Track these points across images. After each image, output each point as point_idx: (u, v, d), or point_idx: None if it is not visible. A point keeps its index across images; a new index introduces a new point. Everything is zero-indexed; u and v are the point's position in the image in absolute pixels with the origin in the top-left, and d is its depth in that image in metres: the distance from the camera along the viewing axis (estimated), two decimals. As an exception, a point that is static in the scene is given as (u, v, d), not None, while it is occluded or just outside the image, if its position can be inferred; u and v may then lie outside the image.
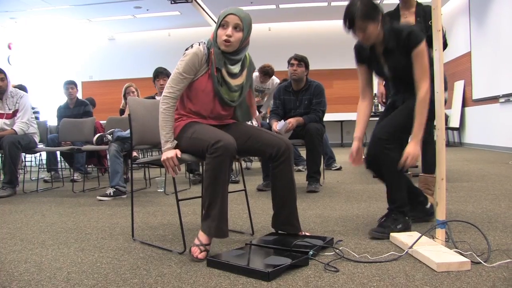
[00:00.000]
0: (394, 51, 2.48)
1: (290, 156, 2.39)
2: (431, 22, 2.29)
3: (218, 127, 2.39)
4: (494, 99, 9.01)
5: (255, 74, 6.59)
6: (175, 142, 2.32)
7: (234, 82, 2.42)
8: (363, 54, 2.64)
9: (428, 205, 2.75)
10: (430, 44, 2.68)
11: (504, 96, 8.53)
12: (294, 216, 2.45)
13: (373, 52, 2.57)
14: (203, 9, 11.87)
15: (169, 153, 2.25)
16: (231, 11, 2.31)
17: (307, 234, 2.48)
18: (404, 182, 2.57)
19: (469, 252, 2.02)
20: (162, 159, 2.26)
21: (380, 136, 2.51)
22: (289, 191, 2.42)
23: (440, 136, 2.19)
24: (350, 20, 2.39)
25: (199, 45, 2.35)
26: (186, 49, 2.36)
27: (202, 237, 2.18)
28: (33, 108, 5.74)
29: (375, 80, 2.81)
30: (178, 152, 2.25)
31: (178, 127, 2.41)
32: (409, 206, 2.57)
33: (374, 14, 2.38)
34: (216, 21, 2.37)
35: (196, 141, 2.25)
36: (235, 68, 2.41)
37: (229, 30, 2.28)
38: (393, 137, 2.49)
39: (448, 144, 11.48)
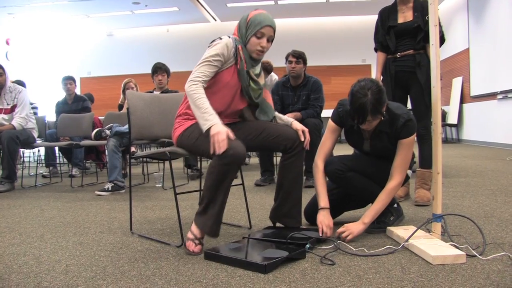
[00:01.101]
0: (383, 134, 2.42)
1: (303, 150, 2.41)
2: (428, 17, 2.29)
3: (230, 125, 2.36)
4: (492, 96, 9.03)
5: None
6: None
7: (259, 81, 2.46)
8: (347, 121, 2.49)
9: (395, 204, 2.65)
10: (427, 40, 2.69)
11: (502, 92, 8.55)
12: (297, 209, 2.46)
13: (358, 126, 2.38)
14: (202, 5, 11.86)
15: (220, 127, 2.07)
16: (267, 22, 2.32)
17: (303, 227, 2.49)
18: (372, 184, 2.50)
19: (465, 246, 2.04)
20: (212, 133, 2.06)
21: (333, 169, 2.47)
22: (296, 184, 2.44)
23: (436, 130, 2.21)
24: (362, 116, 2.23)
25: (229, 37, 2.35)
26: (213, 41, 2.35)
27: (195, 231, 2.18)
28: (31, 104, 5.74)
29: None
30: (229, 132, 2.09)
31: (184, 126, 2.39)
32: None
33: (382, 107, 2.26)
34: (247, 24, 2.34)
35: (205, 141, 2.17)
36: (257, 69, 2.46)
37: (264, 42, 2.33)
38: (349, 169, 2.45)
39: (446, 141, 11.52)
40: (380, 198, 2.36)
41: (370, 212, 2.35)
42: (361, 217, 2.36)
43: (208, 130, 2.09)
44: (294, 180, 2.43)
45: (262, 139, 2.40)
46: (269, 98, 2.59)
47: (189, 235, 2.19)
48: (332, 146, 2.61)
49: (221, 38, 2.33)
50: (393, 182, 2.37)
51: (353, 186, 2.49)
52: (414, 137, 2.38)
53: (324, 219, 2.36)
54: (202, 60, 2.27)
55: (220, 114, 2.33)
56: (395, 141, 2.39)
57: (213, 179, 2.12)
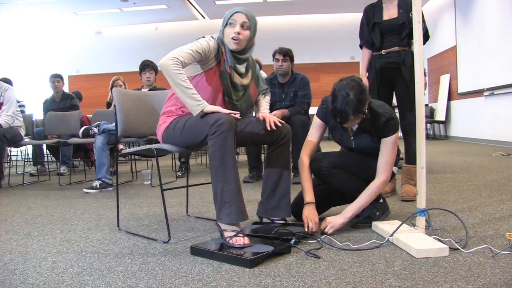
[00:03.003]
0: (366, 132, 2.45)
1: (290, 140, 2.43)
2: (411, 14, 2.32)
3: None
4: (479, 93, 9.12)
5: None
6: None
7: (241, 82, 2.41)
8: (330, 118, 2.47)
9: (381, 199, 2.67)
10: (411, 36, 2.72)
11: (488, 89, 8.64)
12: (286, 201, 2.45)
13: (341, 127, 2.45)
14: (190, 3, 11.84)
15: (212, 106, 2.17)
16: (238, 9, 2.32)
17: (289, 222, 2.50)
18: (358, 181, 2.52)
19: (448, 239, 2.07)
20: (214, 109, 2.15)
21: (317, 167, 2.50)
22: (283, 175, 2.44)
23: (420, 126, 2.24)
24: (344, 117, 2.24)
25: (211, 37, 2.33)
26: (197, 39, 2.32)
27: (229, 228, 2.11)
28: (18, 102, 5.70)
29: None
30: (221, 109, 2.17)
31: (166, 123, 2.40)
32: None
33: (364, 107, 2.28)
34: (223, 19, 2.35)
35: (193, 128, 2.21)
36: (242, 68, 2.41)
37: (237, 28, 2.29)
38: (333, 166, 2.47)
39: (434, 137, 11.61)
40: (364, 195, 2.39)
41: (352, 207, 2.37)
42: (342, 211, 2.38)
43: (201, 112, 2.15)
44: (281, 172, 2.43)
45: (248, 133, 2.42)
46: (253, 89, 2.56)
47: (226, 234, 2.10)
48: (317, 142, 2.63)
49: (204, 37, 2.32)
50: (378, 180, 2.40)
51: (338, 182, 2.52)
52: (396, 136, 2.41)
53: (309, 214, 2.38)
54: (184, 47, 2.23)
55: None
56: (378, 139, 2.42)
57: (216, 157, 2.10)
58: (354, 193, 2.46)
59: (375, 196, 2.42)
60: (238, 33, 2.28)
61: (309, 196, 2.46)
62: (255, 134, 2.42)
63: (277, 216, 2.47)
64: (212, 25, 12.76)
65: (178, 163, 5.49)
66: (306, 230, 2.30)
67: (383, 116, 2.37)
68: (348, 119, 2.25)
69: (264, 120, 2.40)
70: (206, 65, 2.32)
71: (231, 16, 2.31)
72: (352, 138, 2.54)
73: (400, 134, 3.50)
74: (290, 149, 2.46)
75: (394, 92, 3.65)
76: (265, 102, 2.62)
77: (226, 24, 2.32)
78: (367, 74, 3.70)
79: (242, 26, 2.30)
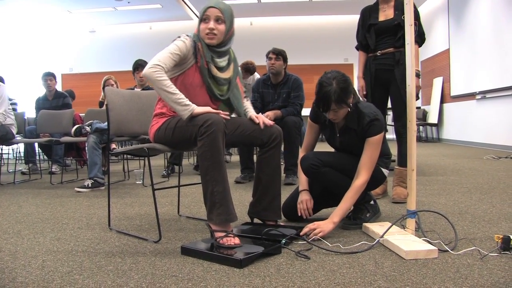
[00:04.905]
0: (352, 131, 2.49)
1: (281, 143, 2.44)
2: (403, 17, 2.33)
3: None
4: (471, 96, 9.17)
5: (237, 69, 6.60)
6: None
7: (223, 76, 2.41)
8: (320, 117, 2.61)
9: (372, 201, 2.71)
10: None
11: (480, 93, 8.69)
12: (277, 203, 2.47)
13: (330, 121, 2.54)
14: (184, 2, 11.84)
15: (201, 108, 2.20)
16: (210, 4, 2.33)
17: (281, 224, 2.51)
18: (347, 180, 2.51)
19: (437, 241, 2.09)
20: (203, 111, 2.18)
21: (308, 165, 2.52)
22: (274, 178, 2.45)
23: (411, 128, 2.25)
24: (326, 104, 2.33)
25: (186, 36, 2.36)
26: (173, 40, 2.36)
27: (220, 228, 2.12)
28: (10, 100, 5.67)
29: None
30: (210, 109, 2.22)
31: (158, 123, 2.41)
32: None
33: (347, 97, 2.35)
34: (198, 15, 2.37)
35: (183, 129, 2.24)
36: (222, 62, 2.42)
37: (211, 23, 2.31)
38: (323, 164, 2.50)
39: (427, 140, 11.66)
40: (347, 197, 2.38)
41: (338, 212, 2.35)
42: (330, 216, 2.36)
43: (189, 116, 2.18)
44: (272, 174, 2.44)
45: (238, 135, 2.41)
46: (238, 84, 2.58)
47: (217, 234, 2.10)
48: (312, 141, 2.71)
49: (180, 37, 2.36)
50: (360, 180, 2.40)
51: (328, 180, 2.53)
52: (380, 137, 2.42)
53: (303, 199, 2.49)
54: (164, 50, 2.28)
55: None
56: (362, 139, 2.44)
57: (206, 158, 2.11)
58: (344, 192, 2.47)
59: (358, 196, 2.42)
60: (212, 29, 2.31)
61: (305, 185, 2.56)
62: (247, 136, 2.42)
63: (267, 218, 2.48)
64: (206, 25, 12.73)
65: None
66: (299, 214, 2.39)
67: (368, 116, 2.41)
68: (330, 107, 2.33)
69: (255, 119, 2.43)
70: (186, 64, 2.35)
71: (204, 12, 2.33)
72: (338, 135, 2.57)
73: (393, 136, 3.52)
74: (281, 151, 2.47)
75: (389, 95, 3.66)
76: (250, 104, 2.63)
77: (201, 20, 2.35)
78: (363, 76, 3.70)
79: (216, 20, 2.33)
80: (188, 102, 2.19)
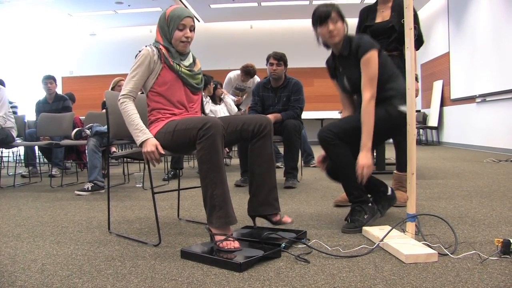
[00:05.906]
0: (348, 60, 2.60)
1: (271, 132, 2.40)
2: (403, 21, 2.33)
3: None
4: (471, 99, 9.17)
5: (237, 72, 6.61)
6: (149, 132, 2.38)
7: (191, 69, 2.58)
8: (332, 67, 2.78)
9: (389, 192, 2.75)
10: (402, 42, 2.74)
11: (480, 96, 8.69)
12: (274, 195, 2.40)
13: (334, 62, 2.73)
14: (185, 6, 11.84)
15: (149, 145, 2.30)
16: (186, 14, 2.50)
17: (288, 218, 2.44)
18: (352, 160, 2.53)
19: (437, 245, 2.08)
20: (144, 150, 2.30)
21: (322, 135, 2.57)
22: (268, 168, 2.39)
23: (410, 131, 2.24)
24: (326, 13, 2.54)
25: (147, 46, 2.50)
26: (136, 56, 2.49)
27: (219, 232, 2.12)
28: (11, 103, 5.68)
29: None
30: (157, 144, 2.32)
31: (158, 127, 2.44)
32: (370, 196, 2.69)
33: (343, 17, 2.59)
34: (168, 21, 2.50)
35: (182, 133, 2.27)
36: (187, 61, 2.58)
37: (188, 33, 2.49)
38: (337, 137, 2.53)
39: (427, 143, 11.66)
40: (363, 121, 2.47)
41: (364, 137, 2.46)
42: (361, 147, 2.46)
43: (141, 144, 2.33)
44: (266, 165, 2.39)
45: (230, 133, 2.41)
46: None
47: (217, 238, 2.10)
48: (342, 94, 2.84)
49: (140, 50, 2.49)
50: (364, 99, 2.50)
51: (336, 154, 2.57)
52: (371, 54, 2.51)
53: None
54: (127, 78, 2.47)
55: (187, 107, 2.54)
56: (358, 65, 2.55)
57: (205, 161, 2.14)
58: (343, 170, 2.57)
59: (373, 115, 2.47)
60: (189, 37, 2.50)
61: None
62: (238, 131, 2.41)
63: (267, 212, 2.39)
64: (206, 28, 12.79)
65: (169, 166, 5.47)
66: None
67: (355, 40, 2.58)
68: (331, 14, 2.54)
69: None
70: (156, 68, 2.48)
71: (181, 20, 2.47)
72: (340, 70, 2.70)
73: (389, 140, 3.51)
74: (272, 142, 2.44)
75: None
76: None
77: (176, 28, 2.47)
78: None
79: (190, 29, 2.50)
80: (139, 133, 2.34)
